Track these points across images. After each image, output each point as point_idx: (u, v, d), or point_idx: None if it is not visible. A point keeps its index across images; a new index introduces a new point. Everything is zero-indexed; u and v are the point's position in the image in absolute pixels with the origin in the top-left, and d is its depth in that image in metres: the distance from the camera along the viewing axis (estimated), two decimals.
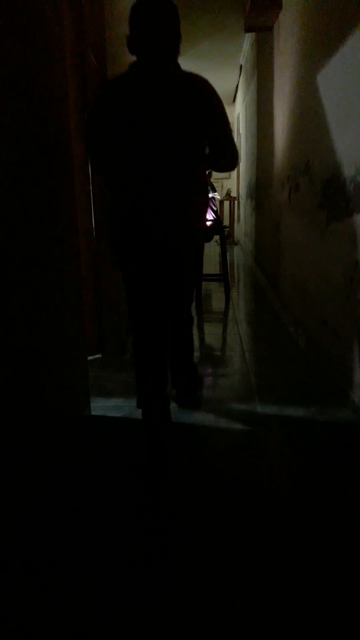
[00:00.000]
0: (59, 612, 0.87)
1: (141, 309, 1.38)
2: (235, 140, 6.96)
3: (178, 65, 1.30)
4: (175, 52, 1.30)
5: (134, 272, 1.35)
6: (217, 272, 4.49)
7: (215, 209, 3.56)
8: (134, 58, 1.32)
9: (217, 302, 3.47)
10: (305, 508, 1.15)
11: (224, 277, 3.50)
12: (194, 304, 3.18)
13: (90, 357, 2.08)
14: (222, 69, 5.95)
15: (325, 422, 1.56)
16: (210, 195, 5.28)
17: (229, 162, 1.36)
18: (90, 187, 1.99)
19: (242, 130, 6.33)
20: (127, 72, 1.28)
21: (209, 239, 3.32)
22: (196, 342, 2.56)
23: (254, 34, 4.09)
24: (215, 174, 7.86)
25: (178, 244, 1.32)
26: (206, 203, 1.39)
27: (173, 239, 1.31)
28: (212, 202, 3.72)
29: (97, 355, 2.19)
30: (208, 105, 1.25)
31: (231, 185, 9.07)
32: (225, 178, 9.19)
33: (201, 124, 1.26)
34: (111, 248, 1.37)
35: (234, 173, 8.76)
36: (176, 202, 1.27)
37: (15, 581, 0.94)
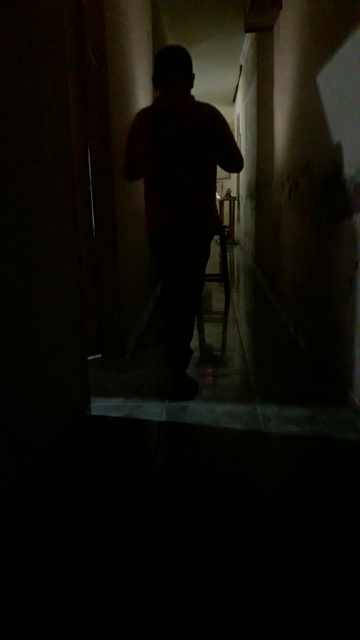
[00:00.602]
0: (59, 612, 0.87)
1: (170, 276, 1.79)
2: (236, 140, 7.20)
3: (192, 97, 1.68)
4: (189, 87, 1.69)
5: (167, 250, 1.74)
6: (217, 272, 4.49)
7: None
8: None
9: (217, 302, 3.47)
10: (306, 508, 1.15)
11: (223, 277, 3.50)
12: None
13: (90, 357, 2.08)
14: (222, 69, 5.95)
15: (325, 422, 1.56)
16: None
17: (238, 165, 1.75)
18: (90, 187, 1.99)
19: (242, 130, 6.33)
20: (154, 103, 1.67)
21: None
22: (196, 342, 2.57)
23: (254, 33, 4.09)
24: None
25: (198, 229, 1.71)
26: (214, 200, 1.78)
27: (195, 226, 1.70)
28: None
29: (97, 355, 2.19)
30: (218, 128, 1.64)
31: (231, 185, 9.07)
32: (225, 178, 9.19)
33: (213, 142, 1.64)
34: (149, 234, 1.76)
35: (233, 173, 8.75)
36: (197, 201, 1.67)
37: (15, 581, 0.94)
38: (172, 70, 1.63)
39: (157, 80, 1.67)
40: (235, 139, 6.18)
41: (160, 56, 1.66)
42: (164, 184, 1.64)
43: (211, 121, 1.61)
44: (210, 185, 1.70)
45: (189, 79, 1.67)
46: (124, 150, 1.75)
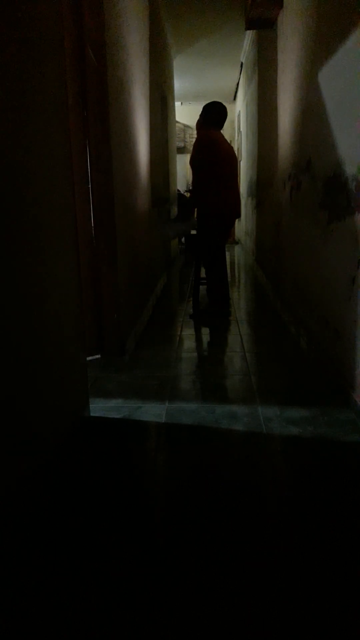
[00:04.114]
0: (59, 612, 0.87)
1: (220, 240, 2.96)
2: (236, 138, 7.70)
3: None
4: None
5: (221, 233, 2.92)
6: None
7: None
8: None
9: None
10: (307, 509, 1.14)
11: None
12: (191, 303, 3.18)
13: (89, 358, 2.08)
14: (223, 67, 5.92)
15: (327, 423, 1.56)
16: None
17: None
18: (90, 186, 1.98)
19: (242, 129, 6.31)
20: (217, 135, 2.79)
21: None
22: (195, 343, 2.56)
23: (254, 31, 4.07)
24: None
25: (238, 213, 3.00)
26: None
27: (238, 210, 2.97)
28: None
29: (97, 356, 2.18)
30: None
31: None
32: None
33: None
34: (214, 223, 2.86)
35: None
36: (237, 195, 2.96)
37: (15, 581, 0.94)
38: (219, 117, 2.82)
39: (210, 122, 2.79)
40: (235, 136, 6.46)
41: (211, 106, 2.82)
42: (227, 183, 2.77)
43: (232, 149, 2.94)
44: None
45: (223, 122, 2.92)
46: (208, 159, 2.73)
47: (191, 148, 3.41)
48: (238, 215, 2.94)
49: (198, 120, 2.85)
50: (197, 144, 2.74)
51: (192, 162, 2.77)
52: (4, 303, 1.02)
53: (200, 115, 2.83)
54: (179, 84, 6.33)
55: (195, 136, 2.83)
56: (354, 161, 1.55)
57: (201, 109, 2.85)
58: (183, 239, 6.29)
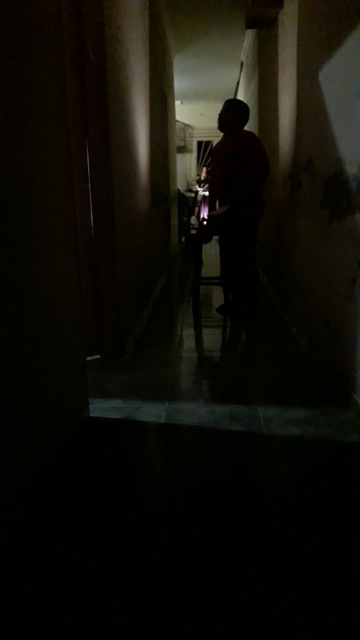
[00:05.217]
0: (59, 612, 0.86)
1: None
2: None
3: None
4: None
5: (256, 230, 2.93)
6: (217, 273, 4.41)
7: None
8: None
9: (217, 303, 3.45)
10: (307, 510, 1.13)
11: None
12: (191, 303, 3.17)
13: (88, 358, 2.07)
14: (223, 66, 5.91)
15: (328, 423, 1.55)
16: (207, 193, 5.20)
17: None
18: (89, 186, 1.97)
19: None
20: (246, 133, 2.81)
21: (208, 240, 3.27)
22: (195, 343, 2.55)
23: (254, 30, 4.06)
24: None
25: None
26: None
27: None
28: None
29: (96, 356, 2.17)
30: None
31: None
32: None
33: None
34: (258, 215, 2.86)
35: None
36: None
37: (15, 582, 0.94)
38: (245, 117, 2.80)
39: (243, 122, 2.78)
40: None
41: (241, 106, 2.80)
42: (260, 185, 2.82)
43: None
44: None
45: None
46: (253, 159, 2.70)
47: (191, 147, 3.30)
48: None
49: (223, 118, 2.75)
50: (249, 144, 2.69)
51: (242, 163, 2.68)
52: (3, 303, 1.01)
53: (228, 114, 2.73)
54: (179, 83, 6.31)
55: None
56: (354, 160, 1.54)
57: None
58: (183, 239, 6.28)
